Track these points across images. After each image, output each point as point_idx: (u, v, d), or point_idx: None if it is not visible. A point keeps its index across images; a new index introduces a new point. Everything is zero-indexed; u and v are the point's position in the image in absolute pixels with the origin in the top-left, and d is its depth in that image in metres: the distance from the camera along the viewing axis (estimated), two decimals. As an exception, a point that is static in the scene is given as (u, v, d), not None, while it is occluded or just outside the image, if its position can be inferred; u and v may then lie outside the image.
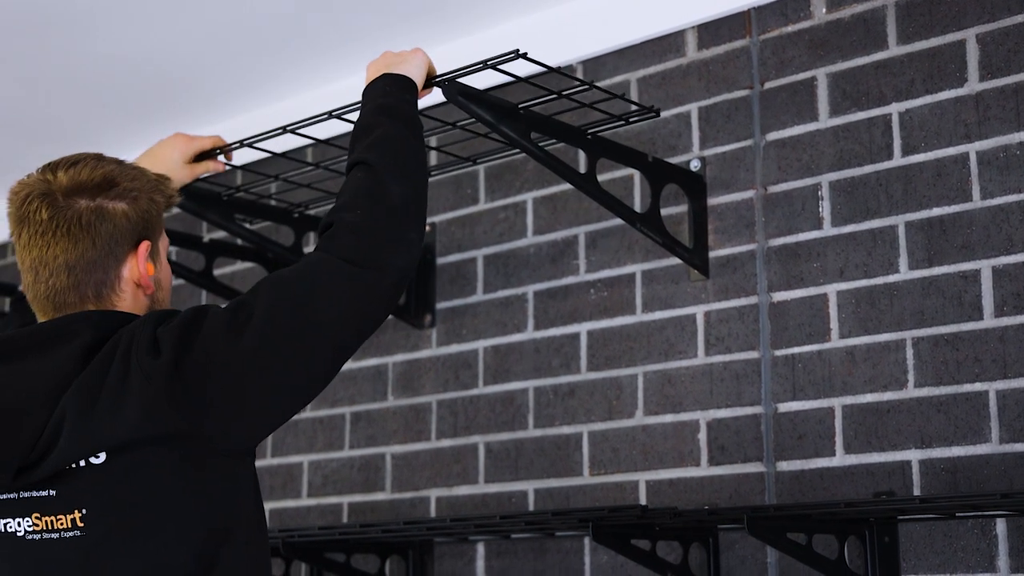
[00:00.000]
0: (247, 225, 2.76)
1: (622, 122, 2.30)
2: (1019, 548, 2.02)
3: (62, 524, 1.50)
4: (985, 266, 2.11)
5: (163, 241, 1.68)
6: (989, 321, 2.09)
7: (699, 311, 2.40)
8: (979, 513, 2.03)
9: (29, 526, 1.52)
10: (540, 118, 2.19)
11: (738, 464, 2.30)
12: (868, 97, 2.28)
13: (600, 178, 2.33)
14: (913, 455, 2.13)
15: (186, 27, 2.71)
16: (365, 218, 1.63)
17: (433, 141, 2.71)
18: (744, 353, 2.33)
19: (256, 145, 2.42)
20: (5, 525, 1.53)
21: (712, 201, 2.42)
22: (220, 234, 3.12)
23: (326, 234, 1.63)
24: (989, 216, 2.12)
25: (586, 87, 2.25)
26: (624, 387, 2.47)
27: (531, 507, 2.56)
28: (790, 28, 2.39)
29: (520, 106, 2.15)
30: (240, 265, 3.18)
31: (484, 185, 2.77)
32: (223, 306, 1.56)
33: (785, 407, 2.28)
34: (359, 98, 1.91)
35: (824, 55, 2.34)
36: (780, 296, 2.32)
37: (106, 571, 1.50)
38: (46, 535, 1.51)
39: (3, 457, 1.50)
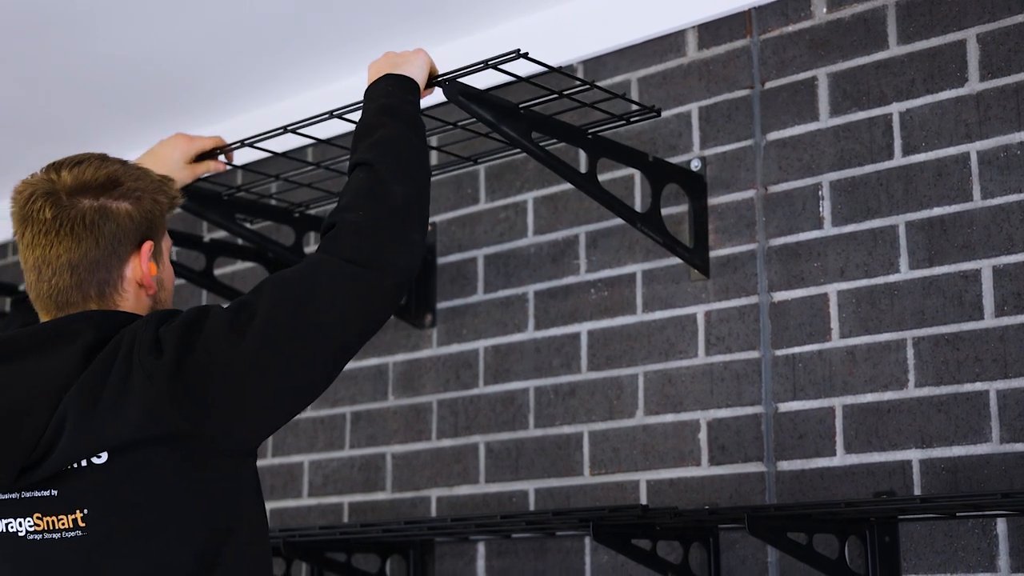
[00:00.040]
0: (248, 225, 2.76)
1: (623, 122, 2.30)
2: (1020, 548, 2.02)
3: (64, 524, 1.50)
4: (986, 266, 2.11)
5: (166, 242, 1.68)
6: (990, 321, 2.09)
7: (699, 311, 2.40)
8: (980, 513, 2.03)
9: (31, 526, 1.52)
10: (541, 118, 2.19)
11: (739, 464, 2.31)
12: (869, 97, 2.28)
13: (601, 178, 2.33)
14: (914, 455, 2.13)
15: (186, 27, 2.71)
16: (367, 218, 1.63)
17: (434, 141, 2.71)
18: (745, 353, 2.34)
19: (257, 145, 2.42)
20: (7, 525, 1.53)
21: (713, 201, 2.42)
22: (221, 234, 3.12)
23: (328, 234, 1.64)
24: (990, 216, 2.12)
25: (587, 87, 2.25)
26: (625, 387, 2.47)
27: (532, 507, 2.56)
28: (791, 28, 2.39)
29: (521, 106, 2.15)
30: (241, 265, 3.18)
31: (485, 185, 2.77)
32: (225, 306, 1.56)
33: (786, 407, 2.28)
34: (360, 98, 1.91)
35: (825, 55, 2.34)
36: (780, 296, 2.32)
37: (108, 571, 1.50)
38: (48, 535, 1.51)
39: (5, 457, 1.50)
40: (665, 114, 2.50)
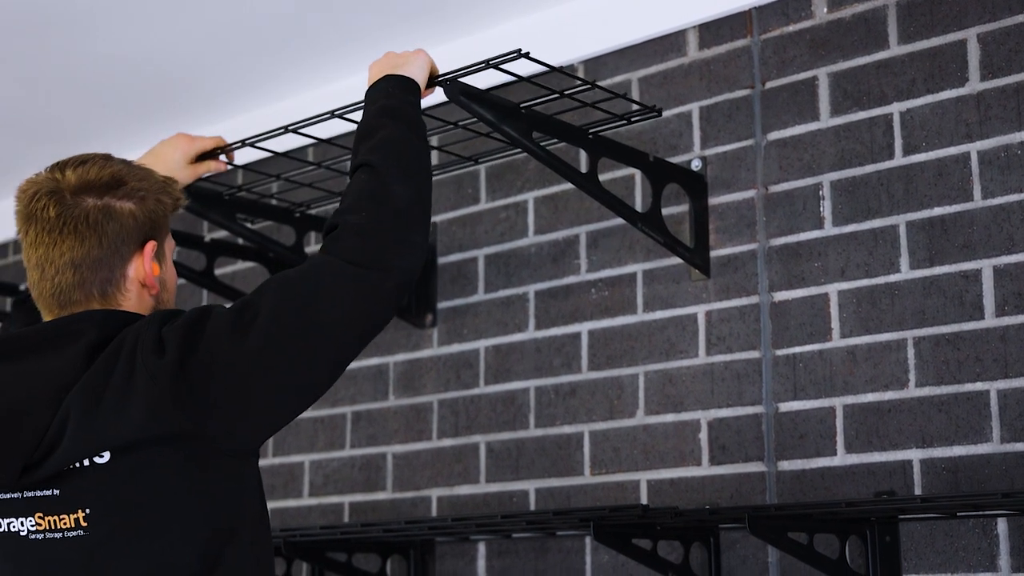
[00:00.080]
0: (248, 225, 2.76)
1: (623, 121, 2.30)
2: (1020, 547, 2.02)
3: (65, 524, 1.50)
4: (986, 266, 2.11)
5: (169, 243, 1.69)
6: (990, 321, 2.09)
7: (700, 311, 2.40)
8: (980, 512, 2.04)
9: (32, 526, 1.52)
10: (541, 118, 2.19)
11: (739, 464, 2.31)
12: (869, 97, 2.28)
13: (601, 178, 2.33)
14: (914, 455, 2.13)
15: (186, 27, 2.71)
16: (369, 220, 1.63)
17: (435, 140, 2.71)
18: (745, 353, 2.34)
19: (258, 144, 2.42)
20: (8, 525, 1.53)
21: (713, 201, 2.42)
22: (221, 234, 3.12)
23: (331, 236, 1.64)
24: (990, 216, 2.12)
25: (587, 87, 2.25)
26: (625, 387, 2.47)
27: (532, 507, 2.56)
28: (791, 28, 2.39)
29: (521, 106, 2.15)
30: (241, 265, 3.18)
31: (485, 185, 2.77)
32: (228, 306, 1.57)
33: (786, 407, 2.28)
34: (360, 98, 1.91)
35: (825, 55, 2.34)
36: (781, 296, 2.32)
37: (110, 571, 1.50)
38: (49, 535, 1.51)
39: (7, 457, 1.50)
40: (666, 114, 2.50)
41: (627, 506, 2.23)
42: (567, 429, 2.54)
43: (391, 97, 1.81)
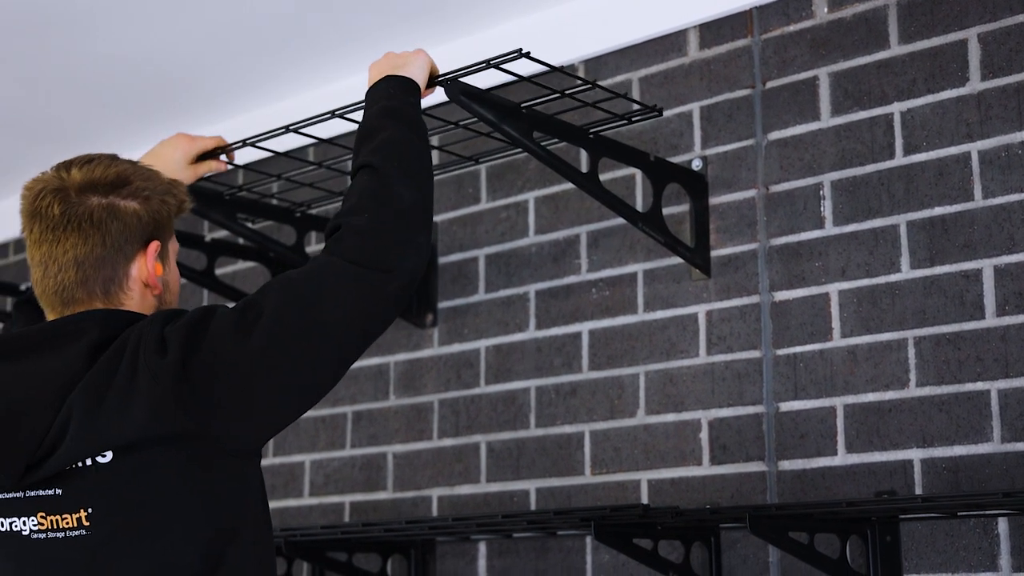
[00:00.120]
0: (249, 224, 2.76)
1: (624, 121, 2.30)
2: (1021, 547, 2.02)
3: (68, 523, 1.50)
4: (987, 265, 2.11)
5: (173, 244, 1.69)
6: (991, 320, 2.09)
7: (701, 310, 2.40)
8: (981, 512, 2.04)
9: (35, 525, 1.52)
10: (542, 117, 2.19)
11: (740, 463, 2.31)
12: (870, 96, 2.28)
13: (602, 177, 2.33)
14: (915, 454, 2.13)
15: (186, 27, 2.71)
16: (371, 221, 1.64)
17: (435, 140, 2.71)
18: (746, 352, 2.34)
19: (258, 144, 2.42)
20: (11, 524, 1.53)
21: (714, 200, 2.42)
22: (222, 233, 3.12)
23: (334, 237, 1.64)
24: (991, 215, 2.12)
25: (588, 86, 2.24)
26: (626, 386, 2.47)
27: (533, 506, 2.56)
28: (792, 27, 2.39)
29: (522, 105, 2.15)
30: (242, 264, 3.18)
31: (486, 184, 2.77)
32: (231, 306, 1.57)
33: (787, 406, 2.28)
34: (360, 97, 1.91)
35: (826, 54, 2.34)
36: (782, 295, 2.32)
37: (112, 571, 1.50)
38: (51, 534, 1.51)
39: (9, 456, 1.50)
40: (666, 114, 2.50)
41: (628, 506, 2.23)
42: (568, 429, 2.54)
43: (392, 98, 1.81)
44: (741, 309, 2.36)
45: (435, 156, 2.71)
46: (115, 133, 3.16)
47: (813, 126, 2.34)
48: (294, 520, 2.94)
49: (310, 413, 2.98)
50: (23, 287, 2.88)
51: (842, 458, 2.20)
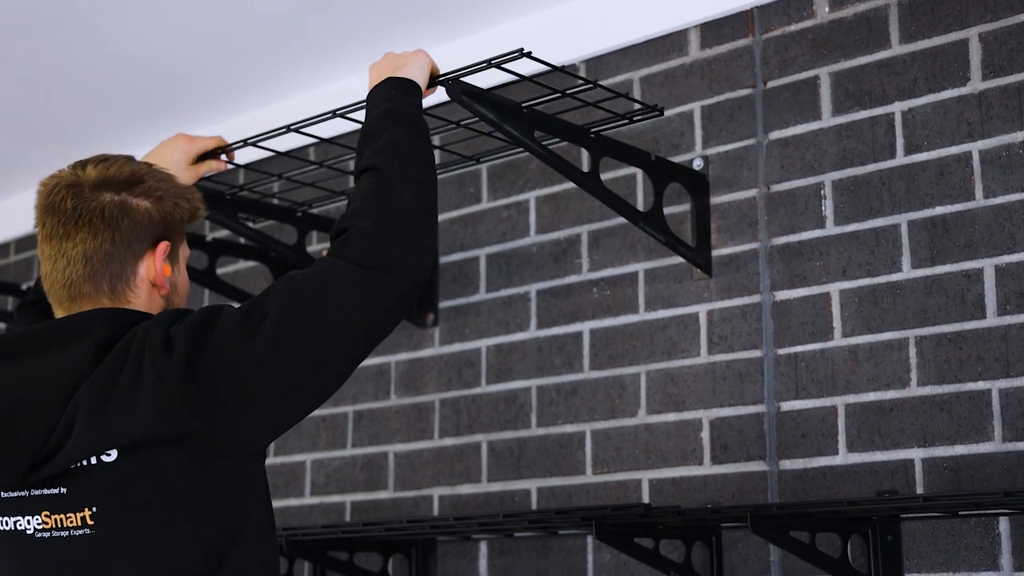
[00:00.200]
0: (250, 224, 2.76)
1: (625, 121, 2.30)
2: (1022, 546, 2.02)
3: (72, 522, 1.50)
4: (988, 265, 2.11)
5: (184, 250, 1.70)
6: (992, 320, 2.09)
7: (702, 310, 2.41)
8: (982, 511, 2.04)
9: (39, 524, 1.52)
10: (543, 117, 2.19)
11: (741, 463, 2.31)
12: (871, 96, 2.28)
13: (603, 177, 2.34)
14: (916, 454, 2.13)
15: (186, 27, 2.71)
16: (375, 222, 1.64)
17: (436, 140, 2.71)
18: (747, 352, 2.34)
19: (259, 144, 2.42)
20: (15, 523, 1.54)
21: (715, 200, 2.42)
22: (223, 233, 3.12)
23: (339, 239, 1.65)
24: (992, 215, 2.12)
25: (589, 86, 2.24)
26: (627, 386, 2.47)
27: (534, 506, 2.56)
28: (793, 27, 2.39)
29: (523, 105, 2.15)
30: (243, 264, 3.18)
31: (487, 184, 2.78)
32: (236, 307, 1.57)
33: (788, 406, 2.28)
34: (360, 97, 1.91)
35: (827, 54, 2.34)
36: (783, 295, 2.32)
37: (116, 570, 1.50)
38: (56, 533, 1.51)
39: (14, 454, 1.50)
40: (667, 113, 2.50)
41: (629, 505, 2.24)
42: (569, 428, 2.54)
43: (393, 100, 1.81)
44: (742, 308, 2.36)
45: (436, 156, 2.70)
46: (115, 133, 3.15)
47: (814, 126, 2.34)
48: (295, 520, 2.94)
49: (311, 413, 2.97)
50: (25, 287, 2.88)
51: (843, 457, 2.21)
